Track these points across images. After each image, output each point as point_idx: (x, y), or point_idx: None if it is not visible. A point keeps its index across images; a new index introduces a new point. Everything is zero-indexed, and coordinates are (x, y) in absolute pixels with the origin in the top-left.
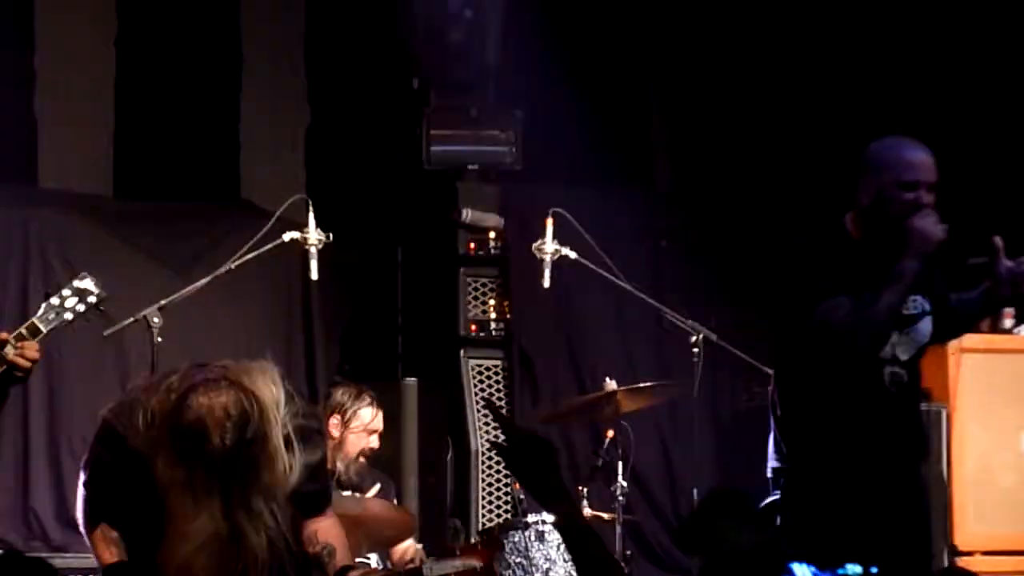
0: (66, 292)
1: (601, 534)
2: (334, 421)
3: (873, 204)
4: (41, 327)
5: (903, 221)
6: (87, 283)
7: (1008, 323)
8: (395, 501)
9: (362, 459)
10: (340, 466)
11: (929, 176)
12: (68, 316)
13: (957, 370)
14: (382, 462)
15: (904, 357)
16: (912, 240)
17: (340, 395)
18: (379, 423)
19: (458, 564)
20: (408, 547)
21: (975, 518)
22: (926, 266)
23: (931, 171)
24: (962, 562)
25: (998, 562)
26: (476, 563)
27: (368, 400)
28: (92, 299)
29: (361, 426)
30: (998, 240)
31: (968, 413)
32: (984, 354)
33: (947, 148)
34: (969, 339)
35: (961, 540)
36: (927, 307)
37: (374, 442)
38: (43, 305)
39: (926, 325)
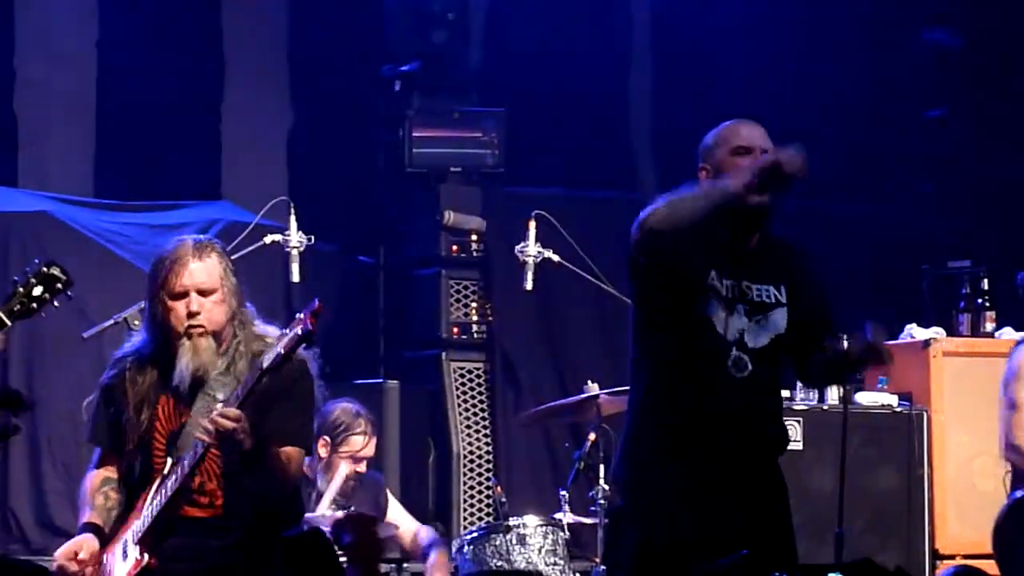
0: (32, 281)
1: (582, 538)
2: (323, 441)
3: (715, 180)
4: (7, 320)
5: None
6: (54, 271)
7: (989, 326)
8: (386, 503)
9: (350, 481)
10: (322, 485)
11: (763, 143)
12: (34, 305)
13: (939, 373)
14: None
15: (752, 344)
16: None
17: (337, 416)
18: (369, 451)
19: (285, 341)
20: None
21: (956, 521)
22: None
23: (763, 138)
24: (944, 565)
25: (980, 566)
26: (297, 330)
27: (362, 427)
28: (59, 286)
29: (349, 452)
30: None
31: (949, 417)
32: (965, 357)
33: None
34: (950, 342)
35: (942, 543)
36: (782, 299)
37: (361, 468)
38: (9, 296)
39: (780, 316)
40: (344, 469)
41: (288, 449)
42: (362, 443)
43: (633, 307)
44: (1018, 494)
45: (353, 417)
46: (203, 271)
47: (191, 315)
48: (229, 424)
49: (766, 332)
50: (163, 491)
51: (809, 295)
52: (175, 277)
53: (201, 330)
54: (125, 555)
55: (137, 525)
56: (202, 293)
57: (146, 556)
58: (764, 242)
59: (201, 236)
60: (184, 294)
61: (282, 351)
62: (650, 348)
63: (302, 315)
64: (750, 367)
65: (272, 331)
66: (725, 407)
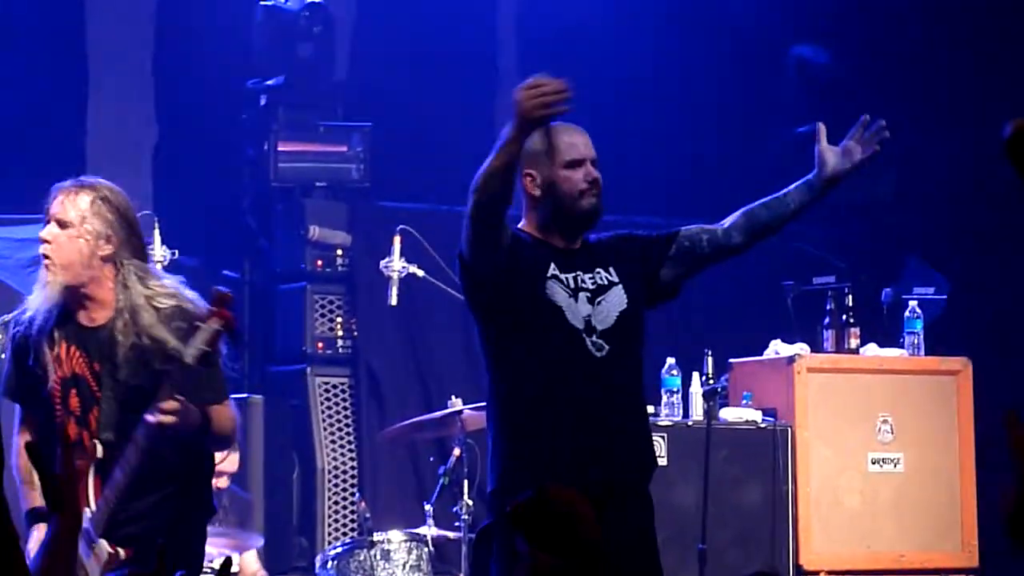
0: None
1: (446, 553)
2: None
3: (544, 193)
4: None
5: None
6: None
7: (854, 343)
8: (249, 520)
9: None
10: None
11: (589, 152)
12: None
13: (803, 389)
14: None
15: (602, 327)
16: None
17: None
18: (230, 465)
19: (204, 335)
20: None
21: (820, 537)
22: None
23: (590, 148)
24: None
25: None
26: (216, 325)
27: None
28: None
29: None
30: (821, 125)
31: (813, 432)
32: (830, 373)
33: None
34: (814, 359)
35: (806, 559)
36: (614, 279)
37: (222, 482)
38: None
39: (616, 294)
40: None
41: (218, 408)
42: (220, 457)
43: (480, 325)
44: None
45: None
46: (65, 203)
47: (41, 241)
48: (172, 419)
49: (609, 312)
50: (113, 484)
51: (661, 243)
52: (49, 202)
53: (48, 261)
54: (90, 550)
55: (92, 516)
56: (59, 224)
57: (120, 550)
58: (584, 242)
59: (100, 180)
60: (48, 221)
61: (206, 348)
62: (506, 354)
63: (212, 308)
64: (606, 347)
65: (159, 289)
66: (590, 389)
